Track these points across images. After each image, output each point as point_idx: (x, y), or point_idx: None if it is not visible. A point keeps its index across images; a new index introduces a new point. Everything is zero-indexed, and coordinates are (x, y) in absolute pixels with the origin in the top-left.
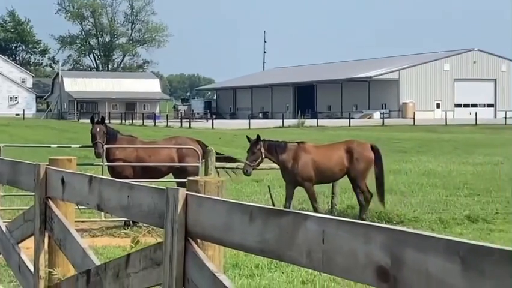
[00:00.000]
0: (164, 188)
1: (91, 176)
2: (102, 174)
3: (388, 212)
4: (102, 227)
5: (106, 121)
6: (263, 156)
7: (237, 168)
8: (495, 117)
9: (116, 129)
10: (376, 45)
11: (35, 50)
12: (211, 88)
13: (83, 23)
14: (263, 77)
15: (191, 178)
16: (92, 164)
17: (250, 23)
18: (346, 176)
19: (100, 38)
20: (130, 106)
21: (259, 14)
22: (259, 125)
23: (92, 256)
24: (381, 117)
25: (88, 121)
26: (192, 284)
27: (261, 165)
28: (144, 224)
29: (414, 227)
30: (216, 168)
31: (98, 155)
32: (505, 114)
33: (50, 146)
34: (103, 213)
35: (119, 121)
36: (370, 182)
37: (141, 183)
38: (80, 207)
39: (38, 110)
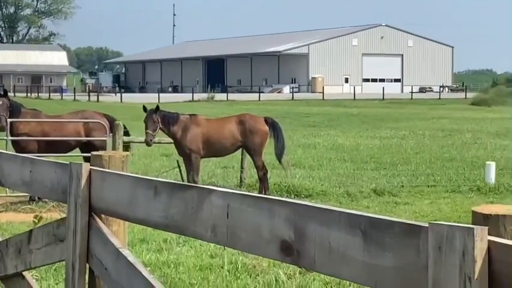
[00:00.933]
0: (68, 162)
1: None
2: (6, 149)
3: (296, 186)
4: (6, 202)
5: (11, 94)
6: (160, 127)
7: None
8: (402, 91)
9: (20, 103)
10: (286, 20)
11: None
12: (119, 61)
13: None
14: (173, 50)
15: (95, 153)
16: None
17: None
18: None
19: (3, 9)
20: (35, 79)
21: None
22: (169, 99)
23: None
24: (290, 92)
25: None
26: (96, 260)
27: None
28: (50, 200)
29: (322, 201)
30: (125, 142)
31: (1, 129)
32: (411, 89)
33: None
34: (7, 189)
35: (24, 94)
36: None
37: (45, 158)
38: None
39: None
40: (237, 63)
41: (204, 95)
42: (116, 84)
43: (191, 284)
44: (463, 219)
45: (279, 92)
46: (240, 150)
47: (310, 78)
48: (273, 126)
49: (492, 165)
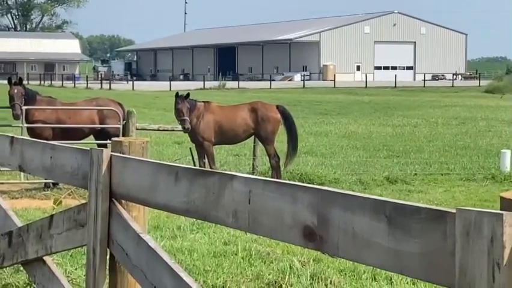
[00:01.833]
0: (88, 148)
1: (13, 136)
2: (21, 135)
3: (309, 173)
4: (22, 188)
5: (25, 82)
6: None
7: (158, 130)
8: (414, 79)
9: (35, 91)
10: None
11: None
12: (131, 49)
13: None
14: (184, 38)
15: (115, 139)
16: (10, 125)
17: None
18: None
19: None
20: (49, 67)
21: None
22: (180, 87)
23: (14, 217)
24: (302, 80)
25: (5, 82)
26: (117, 245)
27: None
28: (65, 186)
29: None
30: (138, 130)
31: (16, 117)
32: (424, 77)
33: None
34: (22, 175)
35: (38, 82)
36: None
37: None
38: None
39: None
40: (248, 51)
41: (215, 83)
42: (128, 72)
43: (205, 270)
44: (478, 207)
45: (290, 80)
46: (252, 137)
47: (321, 66)
48: (284, 114)
49: (507, 153)
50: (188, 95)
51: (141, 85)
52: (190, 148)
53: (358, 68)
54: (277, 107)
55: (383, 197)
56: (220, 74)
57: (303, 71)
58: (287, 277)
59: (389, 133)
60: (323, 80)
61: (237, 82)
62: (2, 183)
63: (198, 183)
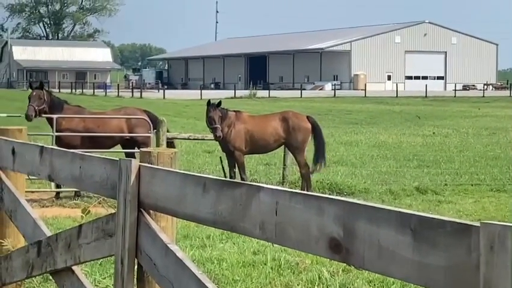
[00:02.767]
0: (117, 158)
1: (42, 146)
2: (52, 144)
3: (339, 183)
4: (52, 197)
5: (55, 90)
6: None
7: (188, 138)
8: (445, 89)
9: (64, 99)
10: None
11: None
12: (162, 58)
13: None
14: (215, 47)
15: (144, 149)
16: (40, 134)
17: None
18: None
19: (50, 6)
20: (80, 75)
21: None
22: (211, 96)
23: (44, 227)
24: (332, 89)
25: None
26: (145, 255)
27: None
28: (95, 195)
29: (365, 199)
30: (168, 139)
31: (27, 118)
32: (455, 87)
33: None
34: (53, 184)
35: (69, 90)
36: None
37: (92, 154)
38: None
39: None
40: (279, 60)
41: (246, 92)
42: (159, 81)
43: (234, 280)
44: (508, 218)
45: (320, 89)
46: (282, 147)
47: (352, 75)
48: (314, 125)
49: None
50: (220, 103)
51: (172, 94)
52: (220, 157)
53: (389, 78)
54: (308, 117)
55: (412, 207)
56: (251, 83)
57: (334, 80)
58: None
59: (420, 143)
60: (354, 89)
61: (267, 91)
62: (33, 191)
63: (225, 194)
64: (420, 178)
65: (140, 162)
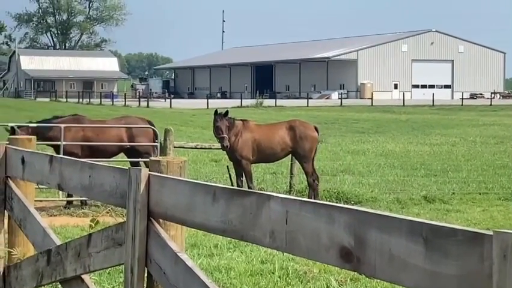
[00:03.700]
0: (126, 167)
1: (52, 155)
2: (58, 153)
3: (346, 192)
4: (60, 206)
5: (63, 100)
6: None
7: (195, 147)
8: (452, 98)
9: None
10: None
11: None
12: (169, 67)
13: (40, 0)
14: (221, 56)
15: (153, 158)
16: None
17: (208, 2)
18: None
19: (57, 16)
20: (87, 85)
21: None
22: (218, 105)
23: (53, 236)
24: (339, 98)
25: (46, 99)
26: (154, 264)
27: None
28: (103, 204)
29: (372, 207)
30: (175, 147)
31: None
32: (462, 95)
33: (7, 125)
34: (61, 193)
35: (76, 100)
36: (328, 162)
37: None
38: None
39: None
40: (286, 69)
41: (253, 101)
42: (166, 90)
43: None
44: None
45: (327, 98)
46: (290, 156)
47: (359, 84)
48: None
49: None
50: (227, 112)
51: (179, 103)
52: (228, 166)
53: (395, 87)
54: (315, 127)
55: (420, 216)
56: (258, 92)
57: (341, 89)
58: None
59: (427, 152)
60: (360, 98)
61: (274, 100)
62: (41, 200)
63: (235, 203)
64: (428, 187)
65: (150, 171)
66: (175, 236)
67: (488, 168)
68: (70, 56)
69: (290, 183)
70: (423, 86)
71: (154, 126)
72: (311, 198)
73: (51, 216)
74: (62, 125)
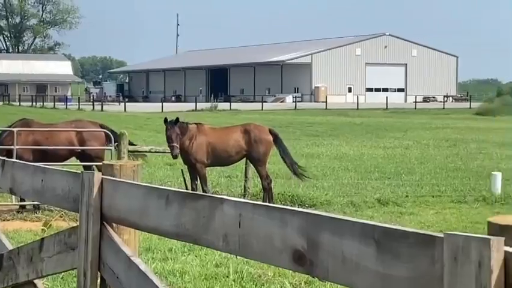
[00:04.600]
0: (79, 172)
1: (4, 159)
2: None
3: (300, 195)
4: (13, 210)
5: (16, 104)
6: (180, 138)
7: (149, 151)
8: (405, 101)
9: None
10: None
11: None
12: (123, 71)
13: None
14: (176, 60)
15: (106, 162)
16: None
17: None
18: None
19: (10, 19)
20: (41, 88)
21: None
22: (172, 108)
23: (5, 240)
24: (293, 101)
25: None
26: (108, 268)
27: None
28: (56, 208)
29: (327, 210)
30: (130, 151)
31: None
32: (415, 99)
33: None
34: (14, 197)
35: (30, 104)
36: (282, 165)
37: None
38: None
39: None
40: (240, 72)
41: (207, 104)
42: (120, 94)
43: None
44: (469, 229)
45: (281, 102)
46: (244, 159)
47: (313, 87)
48: (276, 137)
49: (498, 176)
50: (177, 119)
51: (133, 106)
52: (182, 170)
53: (350, 90)
54: (270, 129)
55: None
56: (212, 95)
57: (295, 92)
58: None
59: (381, 155)
60: (315, 101)
61: (228, 103)
62: None
63: (188, 206)
64: (382, 190)
65: (103, 175)
66: (129, 240)
67: (441, 171)
68: (23, 59)
69: (245, 186)
70: (377, 90)
71: (107, 129)
72: (266, 202)
73: (4, 220)
74: (15, 129)
